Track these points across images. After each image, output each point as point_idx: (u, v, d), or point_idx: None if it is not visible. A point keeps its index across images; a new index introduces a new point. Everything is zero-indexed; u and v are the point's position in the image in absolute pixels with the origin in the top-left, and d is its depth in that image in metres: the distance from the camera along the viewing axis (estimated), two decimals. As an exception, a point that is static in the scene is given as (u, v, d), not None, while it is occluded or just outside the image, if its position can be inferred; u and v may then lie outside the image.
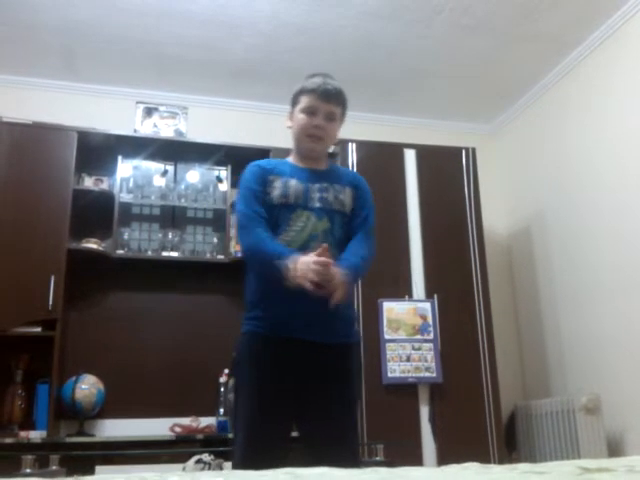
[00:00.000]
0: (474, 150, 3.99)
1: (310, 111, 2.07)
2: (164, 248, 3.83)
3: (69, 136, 3.64)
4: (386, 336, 3.48)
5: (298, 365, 1.94)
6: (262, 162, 2.17)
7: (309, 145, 2.11)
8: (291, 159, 2.18)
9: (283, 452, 1.91)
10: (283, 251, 1.91)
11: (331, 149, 3.92)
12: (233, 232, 3.83)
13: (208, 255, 3.88)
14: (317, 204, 2.04)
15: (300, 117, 2.09)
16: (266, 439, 1.88)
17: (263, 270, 2.00)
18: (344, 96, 2.13)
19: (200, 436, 3.43)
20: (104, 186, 3.80)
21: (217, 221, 3.99)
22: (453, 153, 3.97)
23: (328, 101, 2.07)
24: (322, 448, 1.91)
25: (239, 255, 3.76)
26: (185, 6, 3.50)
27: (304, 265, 1.83)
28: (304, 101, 2.09)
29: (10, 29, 3.66)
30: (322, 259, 1.83)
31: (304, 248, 1.94)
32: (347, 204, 2.09)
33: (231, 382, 3.62)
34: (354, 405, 2.04)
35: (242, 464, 1.83)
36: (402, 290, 3.62)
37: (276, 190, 2.03)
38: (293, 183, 2.05)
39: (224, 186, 3.99)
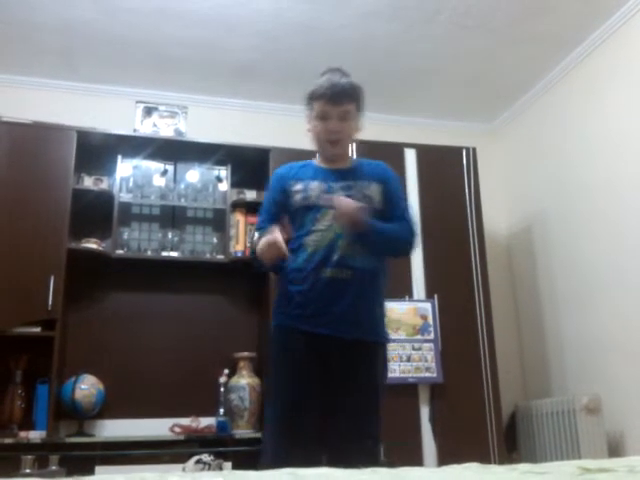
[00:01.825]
0: (474, 150, 3.99)
1: (322, 116, 2.09)
2: (164, 248, 3.82)
3: (69, 136, 3.63)
4: (386, 336, 3.48)
5: (327, 361, 1.98)
6: (283, 169, 2.22)
7: (329, 150, 2.14)
8: (316, 160, 2.22)
9: (313, 452, 1.93)
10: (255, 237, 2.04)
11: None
12: (233, 232, 3.83)
13: (208, 255, 3.87)
14: None
15: (315, 124, 2.12)
16: (300, 434, 1.92)
17: (264, 266, 2.05)
18: (355, 90, 2.13)
19: (200, 436, 3.43)
20: (104, 186, 3.79)
21: (217, 221, 3.99)
22: (453, 153, 3.97)
23: (338, 103, 2.08)
24: (340, 443, 1.94)
25: (239, 255, 3.76)
26: (185, 5, 3.50)
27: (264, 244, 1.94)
28: (316, 107, 2.11)
29: (10, 28, 3.66)
30: (272, 237, 1.91)
31: (331, 247, 1.99)
32: (375, 199, 2.11)
33: (231, 382, 3.63)
34: (377, 404, 2.04)
35: (275, 458, 1.86)
36: (402, 290, 3.62)
37: (298, 194, 2.09)
38: (315, 185, 2.09)
39: (224, 186, 3.98)
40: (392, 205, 2.16)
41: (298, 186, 2.10)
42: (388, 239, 2.09)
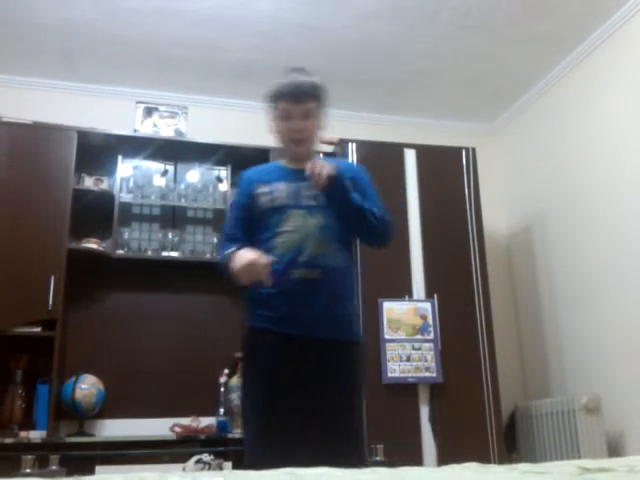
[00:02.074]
0: (474, 150, 3.99)
1: (285, 116, 2.07)
2: (164, 248, 3.82)
3: (69, 136, 3.64)
4: (386, 336, 3.48)
5: (303, 362, 1.95)
6: (249, 172, 2.21)
7: (293, 150, 2.13)
8: (281, 161, 2.20)
9: (295, 452, 1.89)
10: (229, 250, 1.99)
11: (330, 149, 3.93)
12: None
13: (208, 255, 3.88)
14: (311, 202, 2.04)
15: (278, 124, 2.10)
16: (276, 434, 1.89)
17: (232, 277, 1.99)
18: (317, 88, 2.11)
19: (200, 436, 3.43)
20: (104, 186, 3.80)
21: (217, 221, 3.99)
22: (453, 153, 3.97)
23: (299, 102, 2.06)
24: (324, 445, 1.90)
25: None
26: (185, 5, 3.50)
27: (239, 262, 1.89)
28: (278, 107, 2.09)
29: (10, 29, 3.66)
30: (257, 258, 1.87)
31: (300, 248, 1.97)
32: None
33: (231, 381, 3.63)
34: (358, 403, 2.02)
35: (252, 459, 1.85)
36: (402, 290, 3.62)
37: (264, 196, 2.07)
38: (281, 186, 2.08)
39: (224, 186, 3.99)
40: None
41: (264, 188, 2.09)
42: (363, 210, 2.05)
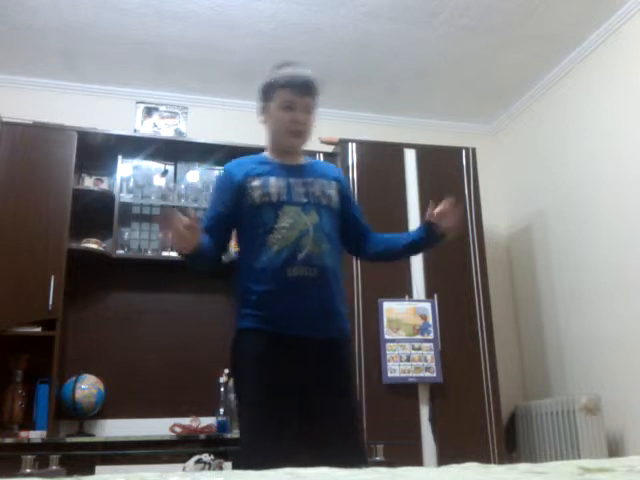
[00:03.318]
0: (474, 150, 4.00)
1: (288, 106, 2.02)
2: (164, 248, 3.82)
3: (69, 136, 3.64)
4: (386, 336, 3.49)
5: (298, 362, 1.91)
6: (233, 166, 2.11)
7: (291, 141, 2.07)
8: (267, 155, 2.13)
9: (293, 450, 1.87)
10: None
11: (330, 149, 3.93)
12: (233, 232, 3.82)
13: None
14: (303, 199, 2.00)
15: (279, 113, 2.04)
16: (274, 438, 1.83)
17: (191, 260, 2.02)
18: (318, 85, 2.08)
19: (200, 436, 3.43)
20: (104, 186, 3.80)
21: (217, 221, 3.99)
22: (453, 153, 3.98)
23: (304, 94, 2.02)
24: (328, 445, 1.88)
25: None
26: (185, 5, 3.50)
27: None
28: (280, 96, 2.03)
29: (10, 29, 3.66)
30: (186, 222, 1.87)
31: (296, 245, 1.92)
32: (334, 199, 2.06)
33: (231, 381, 3.63)
34: (355, 401, 2.01)
35: (249, 464, 1.82)
36: (402, 290, 3.62)
37: (256, 190, 1.99)
38: (273, 180, 2.01)
39: (224, 186, 3.98)
40: (350, 205, 2.17)
41: (256, 182, 2.00)
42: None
